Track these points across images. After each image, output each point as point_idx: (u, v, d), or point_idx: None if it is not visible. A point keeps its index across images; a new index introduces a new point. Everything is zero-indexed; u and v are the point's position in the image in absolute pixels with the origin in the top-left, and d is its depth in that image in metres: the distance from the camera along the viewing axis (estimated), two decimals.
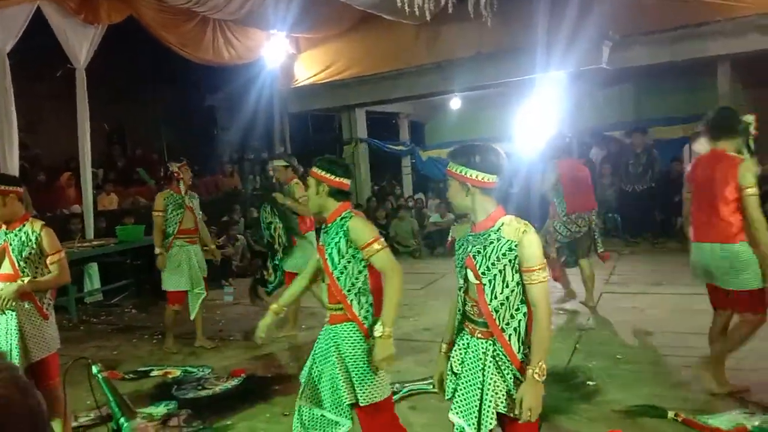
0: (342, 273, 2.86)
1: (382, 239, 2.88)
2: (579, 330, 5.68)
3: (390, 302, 2.79)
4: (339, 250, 2.86)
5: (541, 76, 9.17)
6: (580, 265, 6.47)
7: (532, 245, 2.28)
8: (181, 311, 6.04)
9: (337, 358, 2.84)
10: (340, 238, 2.86)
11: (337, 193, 2.93)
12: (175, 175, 6.13)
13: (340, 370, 2.82)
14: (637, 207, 9.95)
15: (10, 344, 3.42)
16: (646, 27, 8.86)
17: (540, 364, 2.26)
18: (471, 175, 2.35)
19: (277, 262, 6.16)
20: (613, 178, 10.42)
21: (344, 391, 2.81)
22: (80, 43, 8.09)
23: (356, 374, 2.82)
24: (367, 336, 2.83)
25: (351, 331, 2.85)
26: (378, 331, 2.76)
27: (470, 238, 2.42)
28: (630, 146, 10.10)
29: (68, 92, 8.59)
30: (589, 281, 6.49)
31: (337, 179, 2.92)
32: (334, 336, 2.88)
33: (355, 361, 2.82)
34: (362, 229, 2.85)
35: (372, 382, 2.82)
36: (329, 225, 2.94)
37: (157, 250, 5.95)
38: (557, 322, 5.93)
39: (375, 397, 2.83)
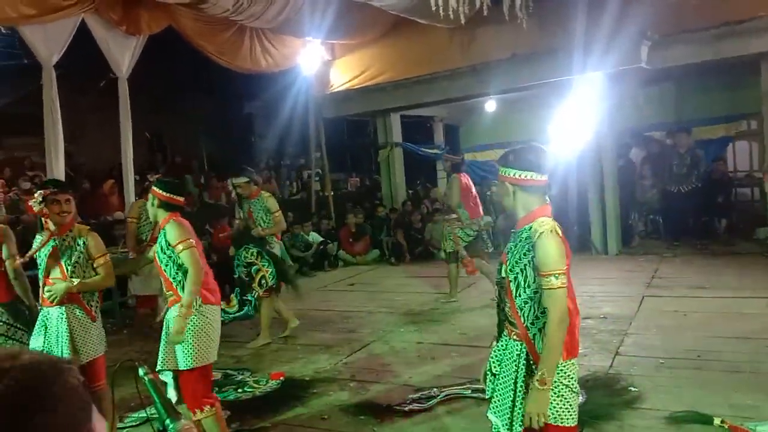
0: (166, 266, 3.51)
1: (189, 241, 3.46)
2: (621, 334, 5.58)
3: (186, 291, 3.40)
4: (161, 249, 3.52)
5: (578, 77, 9.04)
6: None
7: (544, 248, 2.27)
8: (150, 314, 6.31)
9: (165, 332, 3.49)
10: (162, 238, 3.52)
11: (166, 206, 3.57)
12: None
13: (164, 340, 3.49)
14: (679, 208, 9.73)
15: (61, 346, 3.54)
16: (687, 25, 8.64)
17: (543, 371, 2.25)
18: (510, 174, 2.39)
19: (249, 298, 6.05)
20: (655, 180, 10.20)
21: (165, 356, 3.47)
22: (122, 54, 8.31)
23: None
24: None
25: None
26: (176, 310, 3.39)
27: (512, 234, 2.47)
28: (673, 147, 9.87)
29: (110, 102, 8.83)
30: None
31: (166, 194, 3.57)
32: (169, 314, 3.52)
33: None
34: (171, 232, 3.47)
35: (187, 352, 3.38)
36: (161, 230, 3.58)
37: (131, 254, 6.27)
38: (599, 327, 5.84)
39: (188, 364, 3.38)
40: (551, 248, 2.26)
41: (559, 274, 2.25)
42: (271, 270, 6.06)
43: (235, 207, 6.48)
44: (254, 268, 6.09)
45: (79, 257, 3.61)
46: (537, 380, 2.24)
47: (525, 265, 2.32)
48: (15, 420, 0.67)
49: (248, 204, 6.25)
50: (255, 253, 6.10)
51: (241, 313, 6.14)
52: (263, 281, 6.07)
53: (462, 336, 5.94)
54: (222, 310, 5.82)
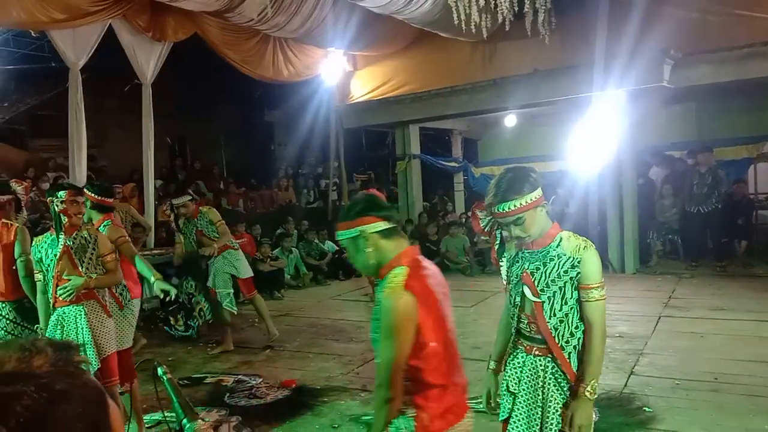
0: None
1: (113, 255, 3.79)
2: (636, 354, 5.53)
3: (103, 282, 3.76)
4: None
5: (599, 94, 9.01)
6: None
7: (592, 262, 2.28)
8: None
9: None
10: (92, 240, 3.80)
11: (98, 207, 4.02)
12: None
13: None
14: (699, 229, 9.62)
15: (83, 341, 3.57)
16: (711, 45, 8.59)
17: (593, 382, 2.26)
18: (518, 205, 2.29)
19: (192, 324, 6.66)
20: (675, 199, 10.09)
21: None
22: (147, 60, 8.44)
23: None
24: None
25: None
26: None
27: (526, 254, 2.41)
28: (694, 166, 9.77)
29: (133, 107, 8.96)
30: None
31: (97, 197, 4.02)
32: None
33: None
34: (103, 240, 3.78)
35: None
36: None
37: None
38: (614, 346, 5.78)
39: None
40: (596, 261, 2.31)
41: (602, 286, 2.30)
42: (207, 306, 6.52)
43: (183, 224, 6.43)
44: (194, 299, 6.61)
45: (91, 254, 3.68)
46: (588, 391, 2.25)
47: (565, 282, 2.29)
48: (47, 407, 0.69)
49: (193, 224, 6.27)
50: (193, 286, 6.60)
51: (187, 333, 6.83)
52: (202, 313, 6.60)
53: (475, 350, 5.90)
54: (172, 326, 6.78)
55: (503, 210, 2.28)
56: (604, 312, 2.32)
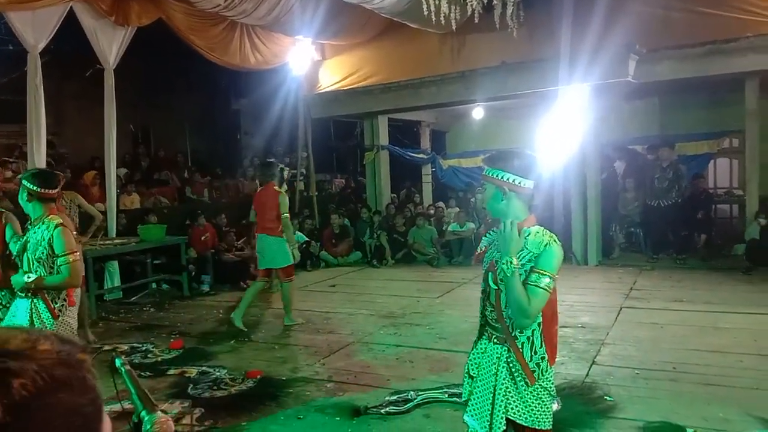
0: (34, 256, 3.52)
1: (77, 254, 3.52)
2: (598, 344, 5.63)
3: (51, 280, 3.47)
4: (37, 242, 3.49)
5: (565, 87, 9.11)
6: None
7: (551, 253, 2.30)
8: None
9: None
10: (41, 235, 3.46)
11: (41, 200, 3.55)
12: None
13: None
14: (660, 222, 9.83)
15: None
16: (674, 41, 8.76)
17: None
18: (508, 179, 2.34)
19: None
20: (637, 193, 10.29)
21: None
22: (110, 45, 8.23)
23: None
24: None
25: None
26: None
27: (498, 243, 2.43)
28: (655, 160, 9.97)
29: (95, 93, 8.74)
30: None
31: (38, 189, 3.49)
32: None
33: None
34: (59, 242, 3.44)
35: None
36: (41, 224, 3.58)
37: None
38: (576, 336, 5.88)
39: None
40: (556, 255, 2.30)
41: (553, 278, 2.28)
42: None
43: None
44: None
45: (43, 253, 3.54)
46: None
47: (520, 275, 2.30)
48: (48, 393, 0.69)
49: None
50: None
51: None
52: None
53: (441, 340, 5.94)
54: None
55: (484, 172, 2.44)
56: (543, 303, 2.27)
